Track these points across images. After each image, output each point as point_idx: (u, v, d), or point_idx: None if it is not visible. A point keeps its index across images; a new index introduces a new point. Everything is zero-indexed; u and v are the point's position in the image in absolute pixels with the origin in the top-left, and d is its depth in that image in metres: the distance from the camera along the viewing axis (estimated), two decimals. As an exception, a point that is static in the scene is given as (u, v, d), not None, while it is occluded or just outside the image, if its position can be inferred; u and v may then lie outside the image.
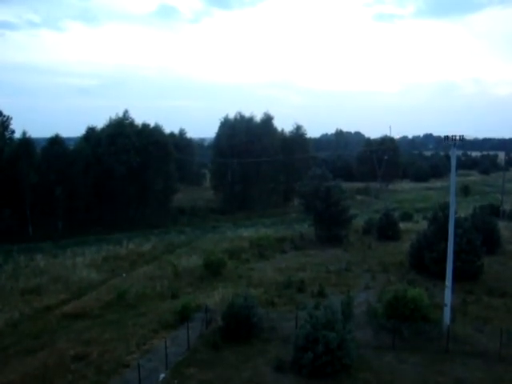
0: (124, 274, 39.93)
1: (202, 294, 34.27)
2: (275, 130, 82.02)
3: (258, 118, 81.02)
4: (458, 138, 25.53)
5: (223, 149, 77.31)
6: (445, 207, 38.99)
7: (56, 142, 61.12)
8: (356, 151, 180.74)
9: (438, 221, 38.86)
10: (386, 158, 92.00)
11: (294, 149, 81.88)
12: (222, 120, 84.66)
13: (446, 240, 28.87)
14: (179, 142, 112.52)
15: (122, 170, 61.19)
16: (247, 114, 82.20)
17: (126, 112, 73.00)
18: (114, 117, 69.22)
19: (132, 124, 67.67)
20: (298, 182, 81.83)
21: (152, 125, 73.38)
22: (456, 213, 39.58)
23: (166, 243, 51.25)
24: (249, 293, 29.11)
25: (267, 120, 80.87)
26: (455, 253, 29.17)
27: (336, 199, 49.30)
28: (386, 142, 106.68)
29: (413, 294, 27.20)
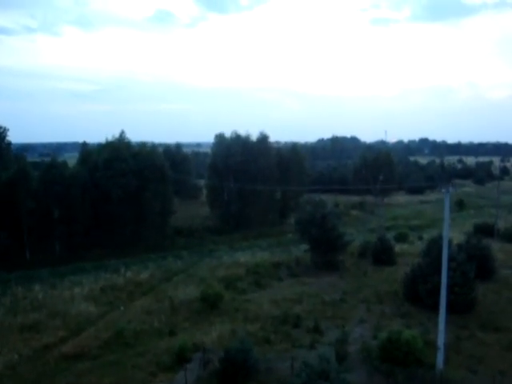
0: (122, 307, 40.19)
1: (199, 330, 34.60)
2: (271, 148, 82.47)
3: (254, 136, 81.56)
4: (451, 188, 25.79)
5: (219, 168, 77.86)
6: (439, 238, 39.57)
7: (53, 165, 61.50)
8: (352, 160, 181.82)
9: (432, 253, 39.32)
10: (381, 178, 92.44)
11: (289, 166, 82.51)
12: (217, 137, 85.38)
13: (440, 272, 29.29)
14: (175, 156, 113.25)
15: (119, 193, 61.63)
16: (243, 133, 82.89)
17: (122, 133, 73.66)
18: (110, 135, 70.26)
19: (128, 146, 68.17)
20: (293, 200, 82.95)
21: (148, 143, 74.11)
22: (450, 244, 40.34)
23: (163, 270, 51.51)
24: (245, 337, 29.56)
25: (263, 139, 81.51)
26: (449, 286, 29.66)
27: (331, 226, 49.74)
28: (382, 156, 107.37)
29: (407, 336, 27.68)
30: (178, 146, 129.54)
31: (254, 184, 76.47)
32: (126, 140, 73.60)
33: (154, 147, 72.94)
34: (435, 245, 41.07)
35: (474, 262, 40.57)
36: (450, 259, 35.39)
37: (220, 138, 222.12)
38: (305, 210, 54.15)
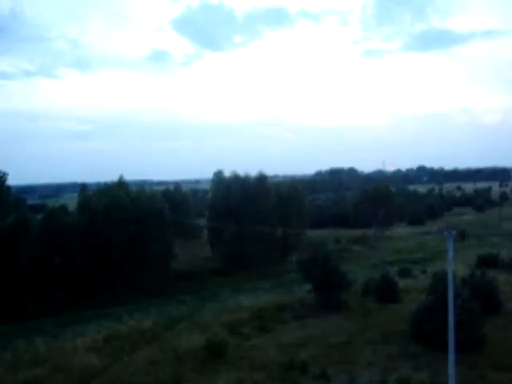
0: (126, 358, 39.62)
1: (204, 381, 34.07)
2: (270, 187, 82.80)
3: (253, 175, 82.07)
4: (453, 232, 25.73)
5: (219, 209, 78.07)
6: (443, 274, 39.32)
7: (52, 216, 61.53)
8: (351, 192, 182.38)
9: (437, 291, 39.03)
10: (381, 211, 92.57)
11: (289, 204, 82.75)
12: (216, 175, 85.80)
13: (446, 311, 28.99)
14: (175, 197, 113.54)
15: (119, 240, 61.50)
16: (242, 172, 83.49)
17: (121, 178, 74.00)
18: (109, 177, 70.51)
19: (127, 191, 68.35)
20: (294, 237, 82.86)
21: (147, 182, 74.17)
22: (454, 279, 39.99)
23: (166, 317, 50.94)
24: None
25: (261, 178, 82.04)
26: (456, 324, 29.33)
27: (333, 266, 49.54)
28: (381, 189, 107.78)
29: (416, 383, 27.28)
30: (177, 186, 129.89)
31: (255, 223, 76.54)
32: (124, 183, 73.95)
33: (152, 191, 73.07)
34: (440, 282, 40.81)
35: (480, 299, 40.38)
36: (455, 296, 35.13)
37: (218, 175, 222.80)
38: (306, 251, 54.02)
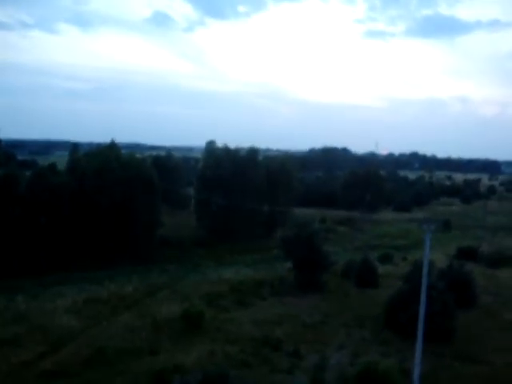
0: (104, 322, 40.23)
1: (180, 350, 34.76)
2: (260, 163, 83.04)
3: (244, 149, 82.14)
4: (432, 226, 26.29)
5: (208, 180, 78.28)
6: (421, 264, 39.97)
7: (40, 175, 61.53)
8: (342, 172, 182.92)
9: (414, 280, 39.75)
10: (369, 195, 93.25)
11: (278, 181, 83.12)
12: (208, 144, 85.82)
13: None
14: (166, 164, 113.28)
15: (107, 203, 61.68)
16: (233, 145, 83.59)
17: (113, 141, 73.94)
18: (102, 138, 70.44)
19: (118, 156, 68.31)
20: (281, 214, 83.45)
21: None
22: (431, 269, 40.94)
23: (147, 284, 51.57)
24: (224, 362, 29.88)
25: (252, 153, 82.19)
26: (428, 315, 30.18)
27: (317, 246, 50.18)
28: (371, 172, 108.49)
29: (384, 368, 28.14)
30: (169, 154, 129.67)
31: (242, 197, 77.06)
32: (115, 147, 73.86)
33: (143, 157, 72.97)
34: (417, 271, 41.47)
35: (455, 291, 41.26)
36: (431, 287, 35.97)
37: (211, 145, 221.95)
38: (291, 229, 54.60)
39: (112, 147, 72.97)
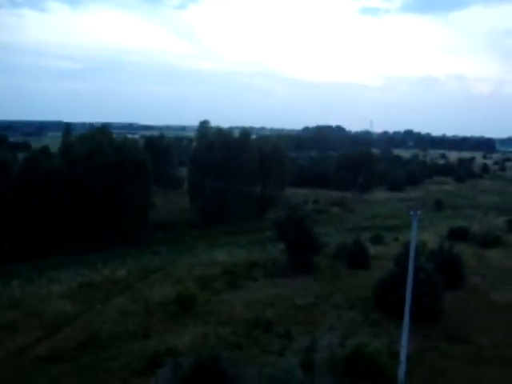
0: (98, 307, 40.83)
1: (172, 333, 35.49)
2: (252, 145, 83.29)
3: (237, 131, 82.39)
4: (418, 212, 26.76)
5: (200, 162, 78.58)
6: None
7: (33, 160, 61.65)
8: (336, 152, 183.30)
9: (404, 262, 40.36)
10: (361, 176, 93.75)
11: (270, 163, 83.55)
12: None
13: None
14: (158, 145, 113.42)
15: (100, 187, 61.93)
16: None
17: (104, 126, 73.99)
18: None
19: (110, 140, 68.40)
20: (273, 196, 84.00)
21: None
22: (422, 250, 41.59)
23: (140, 268, 52.09)
24: (216, 344, 30.54)
25: (245, 135, 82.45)
26: (416, 296, 30.84)
27: (308, 229, 50.74)
28: (364, 153, 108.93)
29: (371, 350, 28.83)
30: (161, 135, 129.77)
31: (235, 179, 77.48)
32: (107, 130, 74.00)
33: (135, 141, 72.98)
34: (407, 253, 42.09)
35: (445, 272, 41.99)
36: (419, 269, 36.71)
37: (204, 125, 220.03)
38: (283, 211, 55.12)
39: (103, 131, 72.98)
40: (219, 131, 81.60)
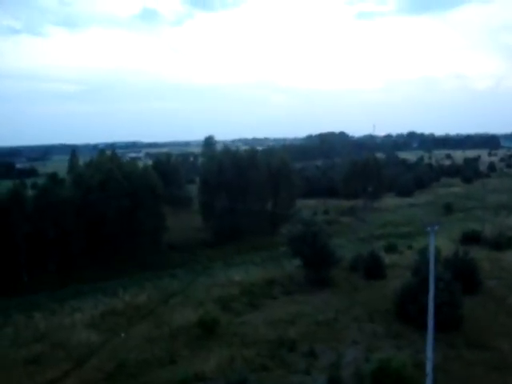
0: (123, 334, 41.36)
1: (198, 357, 35.88)
2: (260, 162, 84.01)
3: (244, 149, 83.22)
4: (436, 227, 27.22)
5: (211, 183, 79.44)
6: (427, 260, 40.95)
7: (46, 190, 62.63)
8: (341, 159, 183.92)
9: (421, 272, 40.86)
10: (370, 186, 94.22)
11: (279, 178, 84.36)
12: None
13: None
14: (166, 166, 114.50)
15: (113, 214, 62.78)
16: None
17: (113, 150, 74.97)
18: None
19: (120, 166, 69.31)
20: (284, 210, 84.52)
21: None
22: (437, 258, 41.88)
23: (160, 292, 52.61)
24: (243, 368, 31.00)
25: (252, 153, 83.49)
26: (437, 306, 31.21)
27: (323, 244, 51.21)
28: (370, 162, 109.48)
29: (397, 365, 29.26)
30: (168, 156, 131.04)
31: (245, 196, 78.25)
32: (116, 157, 74.96)
33: (145, 166, 73.95)
34: (424, 263, 42.59)
35: (461, 279, 42.39)
36: (438, 279, 37.05)
37: (209, 140, 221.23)
38: (296, 228, 55.63)
39: (112, 157, 73.98)
40: (227, 150, 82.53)
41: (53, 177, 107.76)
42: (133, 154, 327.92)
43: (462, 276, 43.85)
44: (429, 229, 27.45)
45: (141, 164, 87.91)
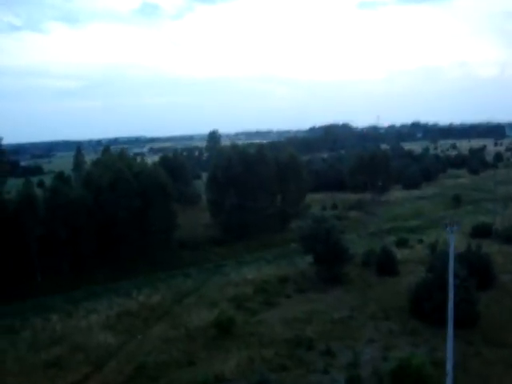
0: (139, 336, 41.58)
1: (216, 358, 36.10)
2: (269, 158, 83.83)
3: (252, 146, 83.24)
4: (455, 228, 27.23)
5: (219, 180, 79.41)
6: (442, 257, 41.01)
7: (57, 191, 62.80)
8: (346, 154, 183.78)
9: (436, 269, 40.97)
10: (378, 180, 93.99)
11: (288, 173, 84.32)
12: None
13: (445, 288, 30.89)
14: (173, 163, 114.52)
15: (125, 214, 62.87)
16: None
17: (122, 150, 75.10)
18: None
19: (130, 166, 69.40)
20: (293, 206, 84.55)
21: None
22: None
23: (173, 292, 52.77)
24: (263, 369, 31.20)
25: (261, 150, 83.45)
26: (454, 303, 31.25)
27: (336, 240, 51.28)
28: (378, 156, 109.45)
29: (416, 363, 29.38)
30: (175, 153, 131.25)
31: (254, 193, 78.19)
32: (125, 156, 75.07)
33: (154, 165, 73.97)
34: (438, 259, 42.74)
35: (476, 275, 42.40)
36: (454, 276, 37.13)
37: (214, 135, 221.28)
38: (306, 223, 55.75)
39: (122, 156, 74.05)
40: (235, 147, 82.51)
41: (60, 176, 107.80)
42: (136, 150, 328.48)
43: (476, 271, 43.82)
44: (448, 229, 27.46)
45: (144, 159, 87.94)
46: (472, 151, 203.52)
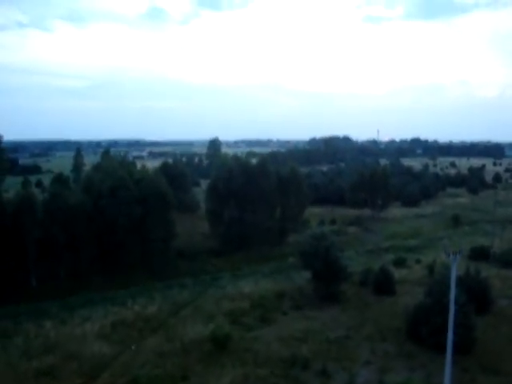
0: (133, 347, 41.23)
1: (210, 373, 35.78)
2: (270, 171, 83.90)
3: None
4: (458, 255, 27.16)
5: (220, 190, 79.37)
6: (441, 282, 40.87)
7: (56, 196, 62.64)
8: (346, 167, 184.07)
9: (435, 294, 40.78)
10: (377, 197, 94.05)
11: (288, 188, 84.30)
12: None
13: (443, 313, 30.77)
14: (173, 170, 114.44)
15: (124, 221, 62.72)
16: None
17: (125, 155, 75.03)
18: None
19: (131, 172, 69.30)
20: (293, 220, 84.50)
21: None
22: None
23: (169, 303, 52.43)
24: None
25: (263, 163, 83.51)
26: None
27: (334, 258, 51.13)
28: (378, 173, 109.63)
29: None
30: (175, 160, 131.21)
31: (254, 205, 78.16)
32: (126, 162, 74.99)
33: (155, 172, 73.84)
34: (437, 284, 42.55)
35: (474, 299, 42.24)
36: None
37: (214, 142, 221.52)
38: (306, 240, 55.62)
39: (123, 162, 74.00)
40: (237, 159, 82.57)
41: (59, 178, 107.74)
42: (136, 153, 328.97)
43: (474, 296, 43.66)
44: (451, 257, 27.39)
45: (144, 164, 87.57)
46: (471, 170, 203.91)
